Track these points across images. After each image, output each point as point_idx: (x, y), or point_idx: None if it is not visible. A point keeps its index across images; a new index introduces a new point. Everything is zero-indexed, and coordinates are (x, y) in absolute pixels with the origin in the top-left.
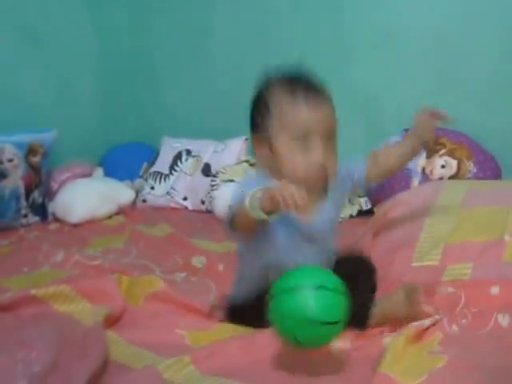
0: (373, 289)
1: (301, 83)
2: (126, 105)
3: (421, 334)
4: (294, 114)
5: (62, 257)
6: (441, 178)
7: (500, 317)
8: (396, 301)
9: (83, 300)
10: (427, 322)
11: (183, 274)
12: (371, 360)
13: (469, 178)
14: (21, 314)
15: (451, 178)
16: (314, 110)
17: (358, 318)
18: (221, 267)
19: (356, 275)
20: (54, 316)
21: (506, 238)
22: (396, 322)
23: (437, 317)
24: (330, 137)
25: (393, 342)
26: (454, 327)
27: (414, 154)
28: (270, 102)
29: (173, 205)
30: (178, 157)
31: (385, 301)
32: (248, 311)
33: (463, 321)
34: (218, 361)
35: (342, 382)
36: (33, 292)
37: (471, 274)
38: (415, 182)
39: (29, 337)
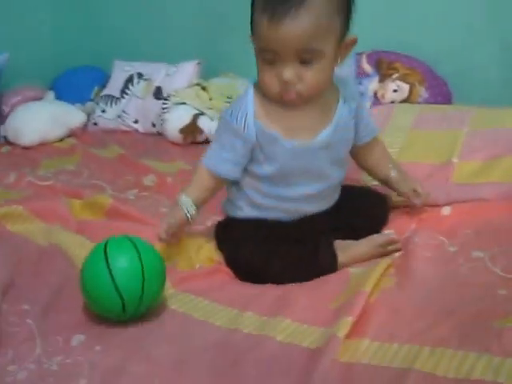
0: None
1: None
2: (78, 28)
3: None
4: (258, 27)
5: (15, 178)
6: (392, 102)
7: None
8: (364, 250)
9: (36, 220)
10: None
11: (135, 191)
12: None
13: (420, 103)
14: None
15: (402, 102)
16: (277, 24)
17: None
18: (169, 180)
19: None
20: (7, 235)
21: (454, 160)
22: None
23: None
24: (304, 56)
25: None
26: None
27: (391, 185)
28: (254, 6)
29: (124, 128)
30: (130, 80)
31: (353, 248)
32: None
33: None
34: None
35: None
36: None
37: None
38: (367, 105)
39: None
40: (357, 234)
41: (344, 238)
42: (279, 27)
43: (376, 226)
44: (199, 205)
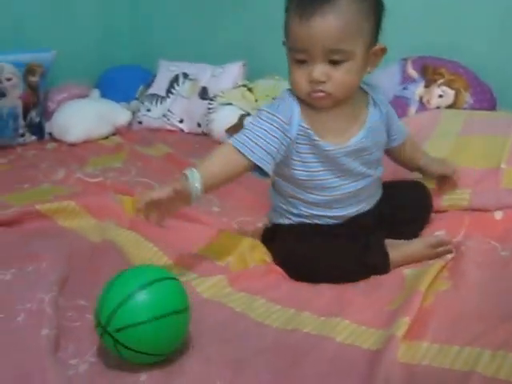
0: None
1: None
2: (124, 26)
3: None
4: (290, 27)
5: (63, 174)
6: (438, 108)
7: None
8: (415, 249)
9: (87, 216)
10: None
11: None
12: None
13: (465, 109)
14: (25, 228)
15: (448, 107)
16: (306, 22)
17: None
18: None
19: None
20: (59, 231)
21: (503, 165)
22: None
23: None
24: (333, 56)
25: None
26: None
27: (424, 171)
28: (287, 8)
29: (168, 127)
30: (175, 80)
31: (404, 247)
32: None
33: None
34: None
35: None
36: (37, 207)
37: (470, 200)
38: (412, 110)
39: (36, 250)
40: (402, 228)
41: (390, 234)
42: (309, 24)
43: (421, 216)
44: (208, 186)
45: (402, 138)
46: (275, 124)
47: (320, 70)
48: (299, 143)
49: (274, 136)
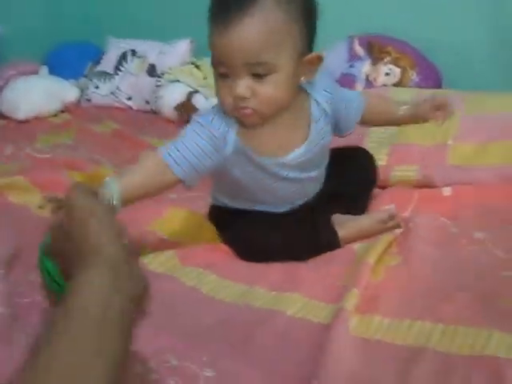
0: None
1: None
2: (72, 2)
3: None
4: (210, 36)
5: (11, 150)
6: (384, 86)
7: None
8: (365, 224)
9: (37, 191)
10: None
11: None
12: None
13: (411, 87)
14: None
15: (394, 86)
16: (224, 32)
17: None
18: None
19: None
20: (9, 206)
21: (450, 142)
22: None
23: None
24: (255, 70)
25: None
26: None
27: (412, 120)
28: (208, 15)
29: (117, 104)
30: (123, 57)
31: (353, 223)
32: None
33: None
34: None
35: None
36: None
37: (417, 176)
38: (359, 87)
39: None
40: (349, 203)
41: (337, 210)
42: (226, 35)
43: (368, 190)
44: (127, 199)
45: (360, 113)
46: (207, 139)
47: (243, 85)
48: (236, 157)
49: (205, 152)
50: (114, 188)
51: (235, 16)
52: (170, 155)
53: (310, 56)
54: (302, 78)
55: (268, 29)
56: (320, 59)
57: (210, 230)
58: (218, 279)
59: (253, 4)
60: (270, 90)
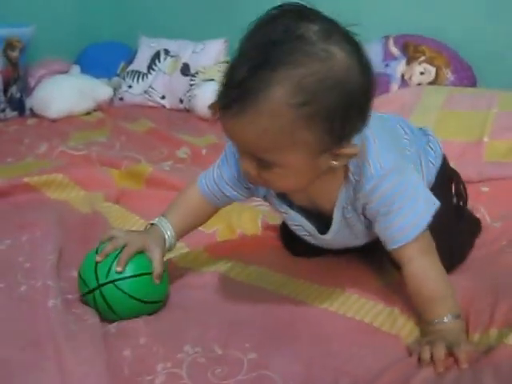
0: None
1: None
2: (104, 2)
3: None
4: None
5: (46, 148)
6: (419, 85)
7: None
8: None
9: (76, 187)
10: None
11: (170, 163)
12: None
13: (446, 86)
14: (14, 200)
15: (429, 84)
16: (222, 113)
17: None
18: (204, 151)
19: None
20: (49, 202)
21: (485, 139)
22: None
23: None
24: (252, 155)
25: None
26: None
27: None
28: None
29: (150, 103)
30: (157, 56)
31: None
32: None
33: None
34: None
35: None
36: (25, 180)
37: None
38: (394, 87)
39: (29, 220)
40: None
41: None
42: (223, 119)
43: None
44: (180, 235)
45: (390, 245)
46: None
47: (246, 165)
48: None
49: (240, 182)
50: (168, 230)
51: (230, 107)
52: (208, 188)
53: (337, 151)
54: (330, 165)
55: (263, 130)
56: (352, 155)
57: (251, 216)
58: (258, 269)
59: (255, 96)
60: (276, 179)
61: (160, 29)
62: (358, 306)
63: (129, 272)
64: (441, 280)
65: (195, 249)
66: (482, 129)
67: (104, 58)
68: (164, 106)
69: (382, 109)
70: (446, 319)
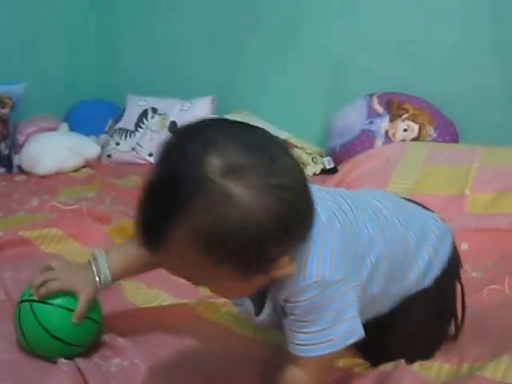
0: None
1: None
2: (91, 62)
3: None
4: None
5: (37, 203)
6: (403, 141)
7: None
8: None
9: (70, 240)
10: None
11: None
12: None
13: (429, 142)
14: (8, 254)
15: (412, 141)
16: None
17: None
18: None
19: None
20: (46, 256)
21: (467, 192)
22: None
23: None
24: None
25: None
26: None
27: None
28: None
29: (138, 160)
30: (144, 114)
31: None
32: None
33: None
34: None
35: None
36: (20, 233)
37: None
38: (379, 143)
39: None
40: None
41: None
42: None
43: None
44: (118, 276)
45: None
46: None
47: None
48: None
49: None
50: (102, 272)
51: (148, 243)
52: None
53: (267, 272)
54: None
55: (180, 267)
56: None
57: None
58: None
59: (163, 239)
60: (217, 292)
61: (147, 87)
62: None
63: (49, 299)
64: None
65: None
66: (464, 182)
67: (92, 116)
68: (152, 163)
69: (366, 164)
70: None
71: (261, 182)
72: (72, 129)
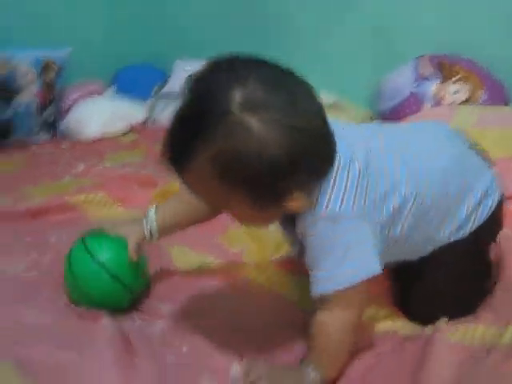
0: None
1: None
2: (137, 25)
3: None
4: None
5: (83, 168)
6: (452, 104)
7: None
8: None
9: (115, 205)
10: None
11: None
12: None
13: (479, 105)
14: (55, 220)
15: (462, 104)
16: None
17: None
18: None
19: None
20: (91, 222)
21: None
22: None
23: None
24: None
25: None
26: None
27: None
28: None
29: None
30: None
31: None
32: None
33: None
34: None
35: None
36: (65, 198)
37: None
38: (427, 106)
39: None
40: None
41: None
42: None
43: None
44: (165, 230)
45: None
46: None
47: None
48: None
49: None
50: (152, 219)
51: (172, 163)
52: None
53: (280, 205)
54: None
55: (200, 188)
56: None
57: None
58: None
59: (186, 163)
60: (236, 218)
61: (195, 51)
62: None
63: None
64: (336, 345)
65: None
66: None
67: (138, 81)
68: None
69: None
70: (310, 373)
71: (278, 119)
72: (119, 93)
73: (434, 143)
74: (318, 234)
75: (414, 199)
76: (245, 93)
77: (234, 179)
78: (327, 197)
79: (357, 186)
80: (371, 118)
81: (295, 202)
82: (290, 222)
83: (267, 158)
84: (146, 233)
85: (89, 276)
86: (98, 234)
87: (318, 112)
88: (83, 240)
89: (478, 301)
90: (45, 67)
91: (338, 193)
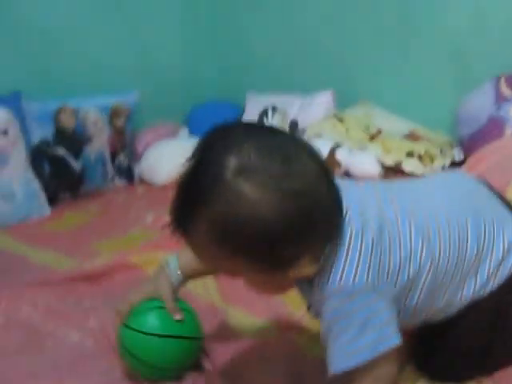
0: None
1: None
2: (208, 61)
3: None
4: None
5: (152, 218)
6: None
7: None
8: None
9: None
10: None
11: None
12: None
13: None
14: (115, 280)
15: None
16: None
17: None
18: None
19: None
20: None
21: None
22: None
23: None
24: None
25: None
26: None
27: None
28: None
29: None
30: (265, 113)
31: None
32: None
33: None
34: None
35: None
36: (127, 258)
37: None
38: (508, 130)
39: None
40: None
41: None
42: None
43: None
44: (188, 275)
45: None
46: None
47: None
48: None
49: None
50: (174, 275)
51: (177, 229)
52: None
53: (286, 272)
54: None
55: (203, 255)
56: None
57: None
58: None
59: (187, 228)
60: (247, 285)
61: (267, 84)
62: None
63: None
64: None
65: None
66: None
67: (212, 118)
68: None
69: (491, 157)
70: None
71: (272, 183)
72: (192, 133)
73: (452, 203)
74: (332, 311)
75: (431, 264)
76: (239, 158)
77: (232, 246)
78: (341, 269)
79: (370, 257)
80: (451, 146)
81: (302, 268)
82: (306, 284)
83: (260, 222)
84: (174, 280)
85: (155, 352)
86: (134, 310)
87: (318, 174)
88: (126, 326)
89: (499, 361)
90: (113, 113)
91: (352, 264)
